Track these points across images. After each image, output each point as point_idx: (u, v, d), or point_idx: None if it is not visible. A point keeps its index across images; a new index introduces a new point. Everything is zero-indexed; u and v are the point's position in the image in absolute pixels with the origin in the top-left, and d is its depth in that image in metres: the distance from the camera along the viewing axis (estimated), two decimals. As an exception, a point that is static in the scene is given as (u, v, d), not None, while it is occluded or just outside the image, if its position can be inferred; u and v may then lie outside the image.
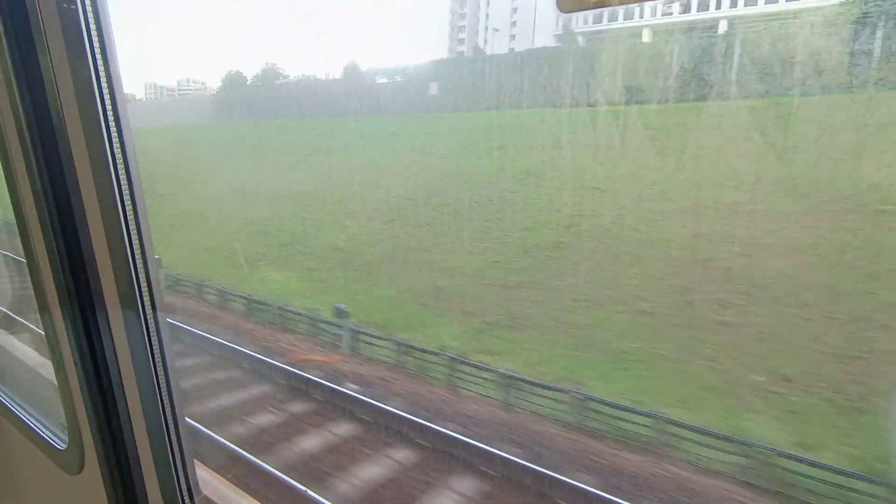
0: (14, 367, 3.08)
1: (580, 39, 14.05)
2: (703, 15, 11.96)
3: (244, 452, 6.66)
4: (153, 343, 1.51)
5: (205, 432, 7.24)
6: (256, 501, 2.94)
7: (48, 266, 1.51)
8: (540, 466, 6.42)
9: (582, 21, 13.37)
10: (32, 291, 1.63)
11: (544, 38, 14.96)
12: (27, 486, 2.23)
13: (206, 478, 2.75)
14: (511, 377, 8.49)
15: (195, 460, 1.85)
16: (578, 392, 7.96)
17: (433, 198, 13.63)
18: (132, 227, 1.42)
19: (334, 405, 8.07)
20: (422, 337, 9.92)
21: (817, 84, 9.86)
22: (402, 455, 6.97)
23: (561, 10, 0.72)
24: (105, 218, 1.41)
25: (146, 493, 1.64)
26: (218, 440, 7.15)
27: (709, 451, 6.81)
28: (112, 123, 1.34)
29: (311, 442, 7.27)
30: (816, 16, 10.48)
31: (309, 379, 8.62)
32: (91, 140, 1.34)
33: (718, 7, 11.83)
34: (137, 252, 1.45)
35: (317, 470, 6.65)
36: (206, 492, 2.33)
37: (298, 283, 13.04)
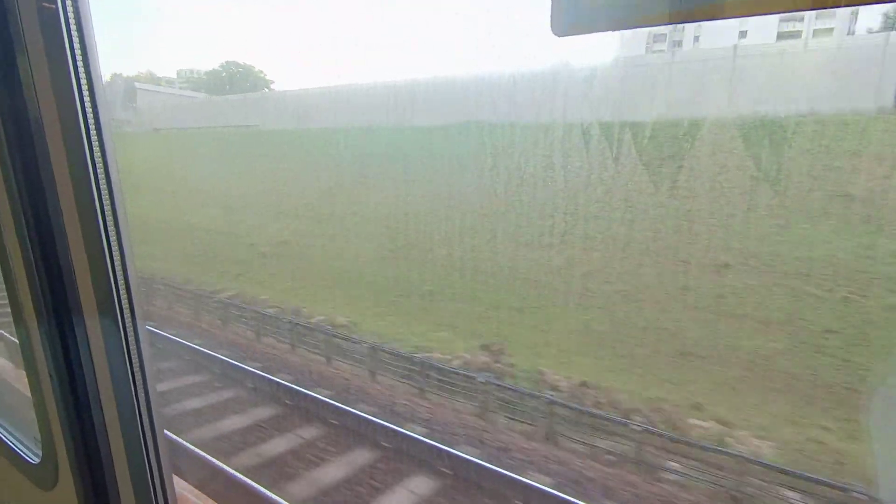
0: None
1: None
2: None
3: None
4: (132, 354, 1.46)
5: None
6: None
7: (24, 274, 1.46)
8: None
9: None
10: (7, 300, 1.57)
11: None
12: None
13: (185, 494, 2.68)
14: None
15: (175, 476, 1.79)
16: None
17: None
18: (112, 234, 1.38)
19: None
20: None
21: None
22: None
23: (555, 34, 0.71)
24: (84, 224, 1.37)
25: None
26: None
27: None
28: (92, 127, 1.30)
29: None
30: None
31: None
32: (70, 144, 1.30)
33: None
34: (117, 260, 1.41)
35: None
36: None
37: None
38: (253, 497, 6.22)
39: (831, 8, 0.53)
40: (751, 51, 11.80)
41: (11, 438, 1.89)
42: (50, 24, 1.23)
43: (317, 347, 11.27)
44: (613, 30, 0.69)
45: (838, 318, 8.72)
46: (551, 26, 0.71)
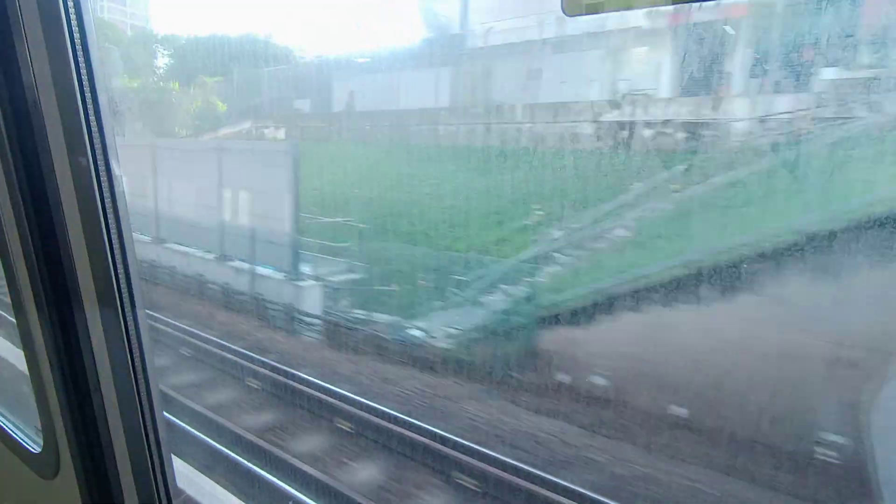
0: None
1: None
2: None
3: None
4: (132, 342, 1.46)
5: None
6: (240, 501, 2.91)
7: (23, 262, 1.45)
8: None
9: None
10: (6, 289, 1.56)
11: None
12: None
13: (188, 476, 2.71)
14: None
15: (177, 458, 1.81)
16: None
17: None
18: (111, 221, 1.37)
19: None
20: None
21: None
22: None
23: (566, 14, 0.72)
24: (83, 211, 1.36)
25: (123, 497, 1.59)
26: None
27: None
28: (91, 112, 1.29)
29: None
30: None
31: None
32: (69, 131, 1.29)
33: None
34: (117, 247, 1.40)
35: None
36: (188, 491, 2.28)
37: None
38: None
39: None
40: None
41: (13, 428, 1.89)
42: (49, 10, 1.20)
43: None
44: (625, 9, 0.71)
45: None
46: (564, 7, 0.73)
